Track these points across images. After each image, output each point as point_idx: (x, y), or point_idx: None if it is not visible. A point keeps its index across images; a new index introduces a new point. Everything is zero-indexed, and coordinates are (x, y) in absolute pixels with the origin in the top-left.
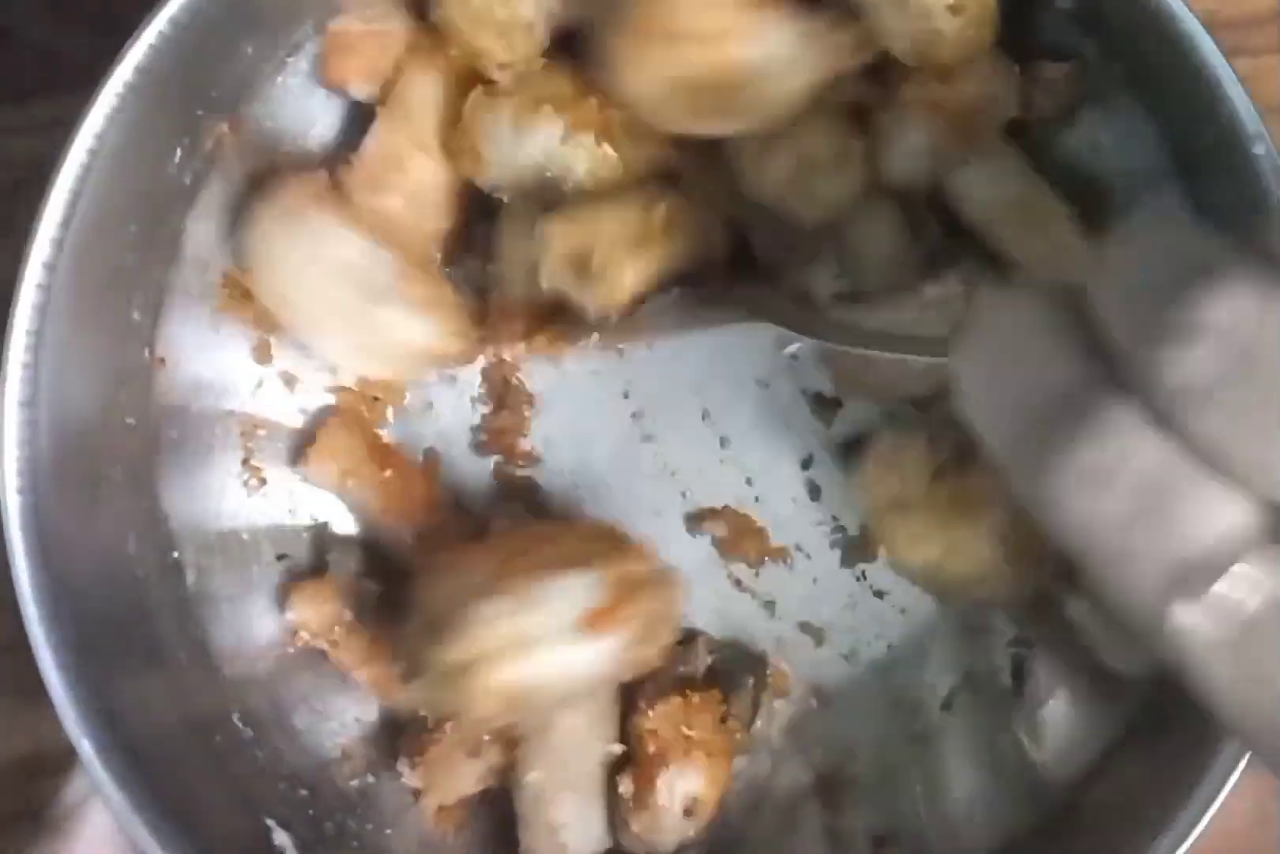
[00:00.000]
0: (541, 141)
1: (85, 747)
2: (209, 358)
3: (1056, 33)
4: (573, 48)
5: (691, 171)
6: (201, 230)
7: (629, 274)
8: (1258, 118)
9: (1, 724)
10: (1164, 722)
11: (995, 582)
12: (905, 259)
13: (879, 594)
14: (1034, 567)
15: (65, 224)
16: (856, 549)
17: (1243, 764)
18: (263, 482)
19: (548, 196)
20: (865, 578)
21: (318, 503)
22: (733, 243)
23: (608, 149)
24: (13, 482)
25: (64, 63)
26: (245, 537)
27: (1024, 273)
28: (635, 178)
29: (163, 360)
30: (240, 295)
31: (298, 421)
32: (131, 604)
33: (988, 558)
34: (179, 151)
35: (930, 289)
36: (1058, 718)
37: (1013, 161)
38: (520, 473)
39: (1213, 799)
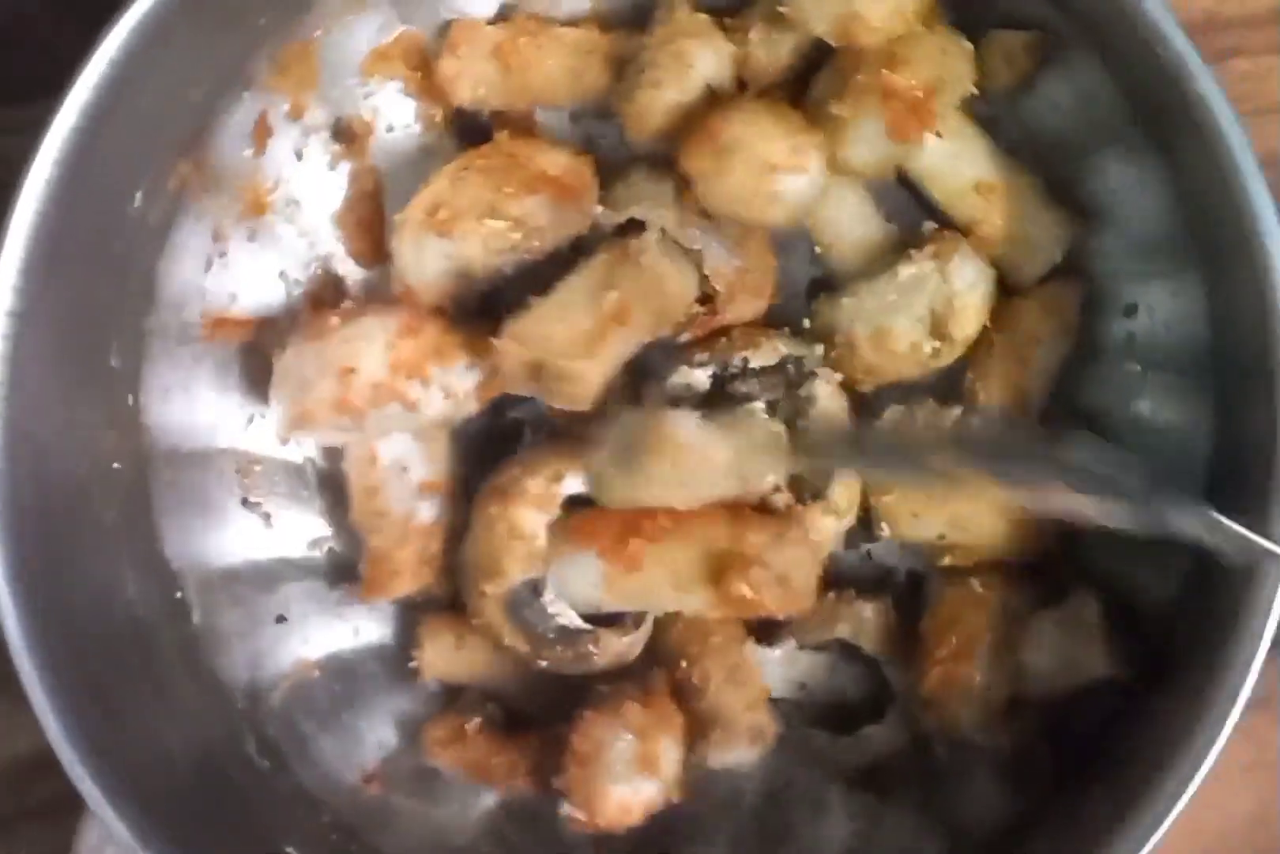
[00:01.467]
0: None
1: (88, 787)
2: (196, 398)
3: None
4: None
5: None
6: (175, 271)
7: (589, 376)
8: (1197, 56)
9: (1, 724)
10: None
11: (1003, 548)
12: (879, 240)
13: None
14: (1040, 528)
15: (26, 272)
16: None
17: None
18: (265, 517)
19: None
20: (870, 557)
21: (324, 533)
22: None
23: None
24: None
25: (64, 63)
26: (251, 572)
27: (994, 245)
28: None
29: (147, 404)
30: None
31: (295, 456)
32: (135, 646)
33: (990, 530)
34: (139, 194)
35: (905, 269)
36: None
37: (973, 138)
38: None
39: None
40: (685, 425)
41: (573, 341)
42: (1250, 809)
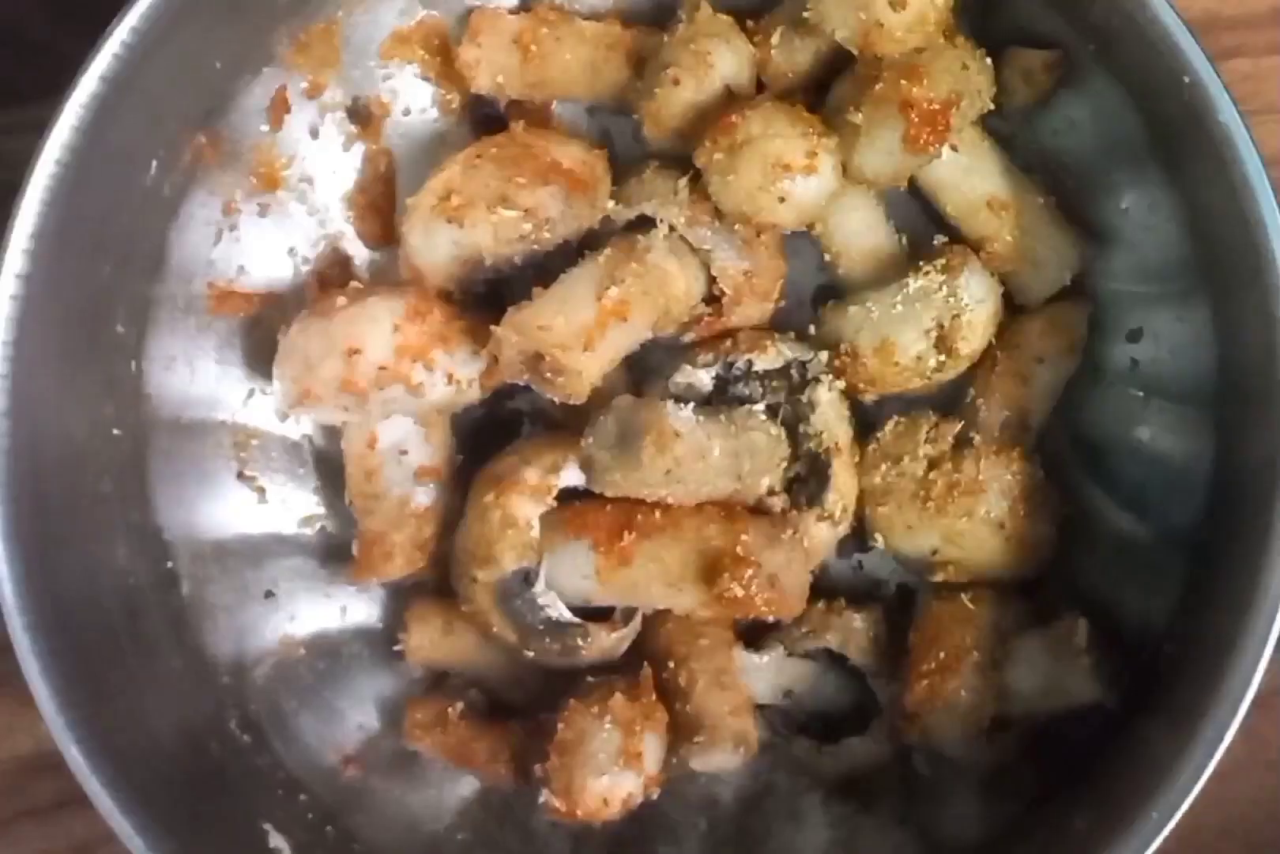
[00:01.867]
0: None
1: (73, 752)
2: (198, 369)
3: (1028, 16)
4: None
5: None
6: (185, 242)
7: (585, 370)
8: (1221, 86)
9: (1, 724)
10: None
11: (996, 566)
12: (888, 251)
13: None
14: (1034, 548)
15: (37, 236)
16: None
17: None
18: (260, 491)
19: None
20: (862, 568)
21: (317, 511)
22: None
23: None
24: None
25: (64, 63)
26: (241, 546)
27: (1003, 262)
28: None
29: (149, 372)
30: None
31: (293, 432)
32: (124, 614)
33: (984, 547)
34: (155, 163)
35: (913, 282)
36: None
37: (988, 153)
38: None
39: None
40: (682, 417)
41: (571, 334)
42: (1249, 808)
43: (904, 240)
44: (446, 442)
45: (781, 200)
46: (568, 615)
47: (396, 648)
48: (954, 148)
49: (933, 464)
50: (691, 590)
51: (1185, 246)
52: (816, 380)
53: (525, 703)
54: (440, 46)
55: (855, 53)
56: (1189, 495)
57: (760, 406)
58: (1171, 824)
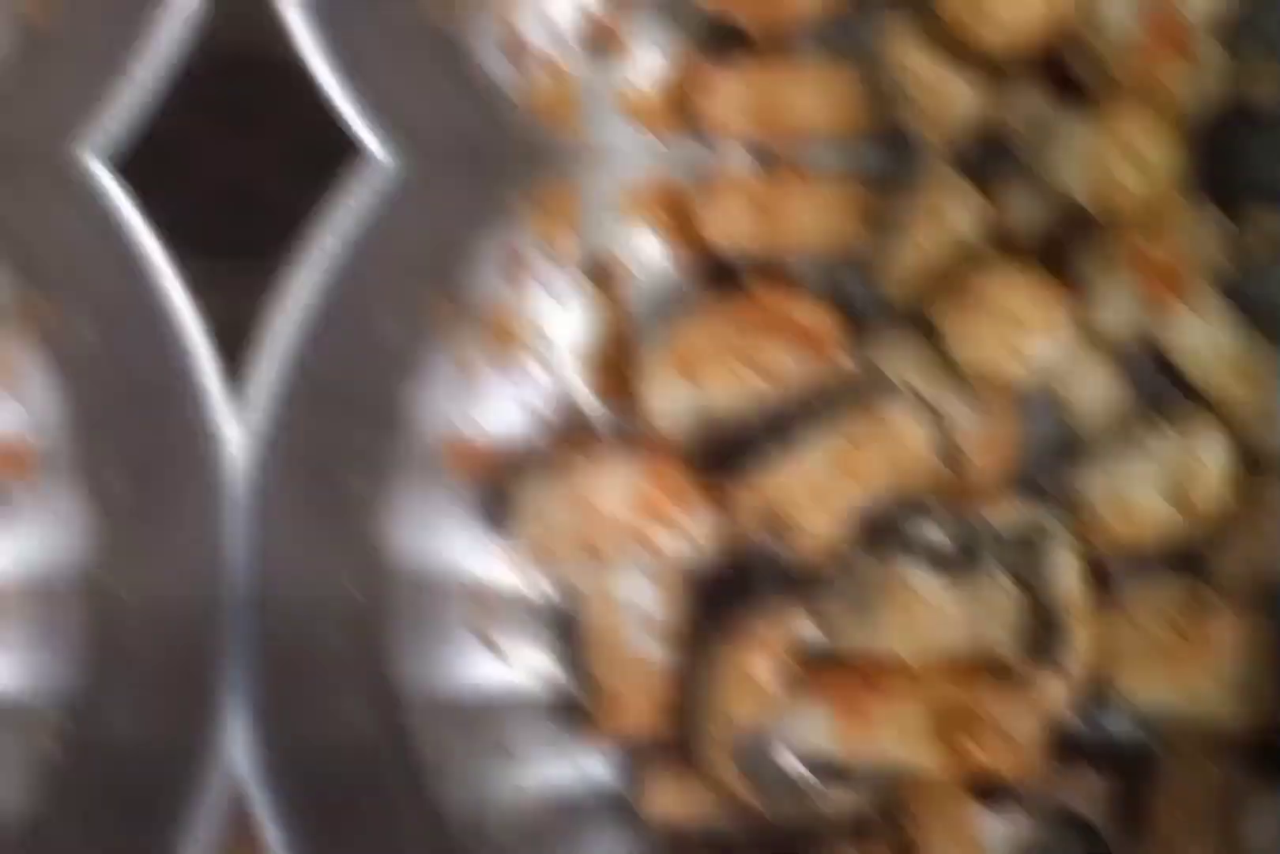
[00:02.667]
0: None
1: None
2: (434, 526)
3: (1267, 167)
4: None
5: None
6: (420, 399)
7: (821, 529)
8: None
9: None
10: None
11: (1234, 723)
12: (1122, 407)
13: None
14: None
15: (273, 392)
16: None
17: None
18: (496, 648)
19: None
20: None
21: (553, 668)
22: None
23: None
24: None
25: (295, 220)
26: (478, 703)
27: (1239, 423)
28: None
29: (386, 528)
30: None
31: (530, 590)
32: (360, 776)
33: (1226, 703)
34: (391, 320)
35: (1150, 440)
36: None
37: (1223, 312)
38: None
39: None
40: (918, 576)
41: (806, 494)
42: None
43: (1139, 397)
44: (682, 598)
45: (1019, 359)
46: (807, 774)
47: (635, 806)
48: (1189, 306)
49: (1170, 622)
50: (928, 749)
51: None
52: (1053, 539)
53: None
54: (677, 206)
55: (1091, 210)
56: None
57: (997, 566)
58: None
